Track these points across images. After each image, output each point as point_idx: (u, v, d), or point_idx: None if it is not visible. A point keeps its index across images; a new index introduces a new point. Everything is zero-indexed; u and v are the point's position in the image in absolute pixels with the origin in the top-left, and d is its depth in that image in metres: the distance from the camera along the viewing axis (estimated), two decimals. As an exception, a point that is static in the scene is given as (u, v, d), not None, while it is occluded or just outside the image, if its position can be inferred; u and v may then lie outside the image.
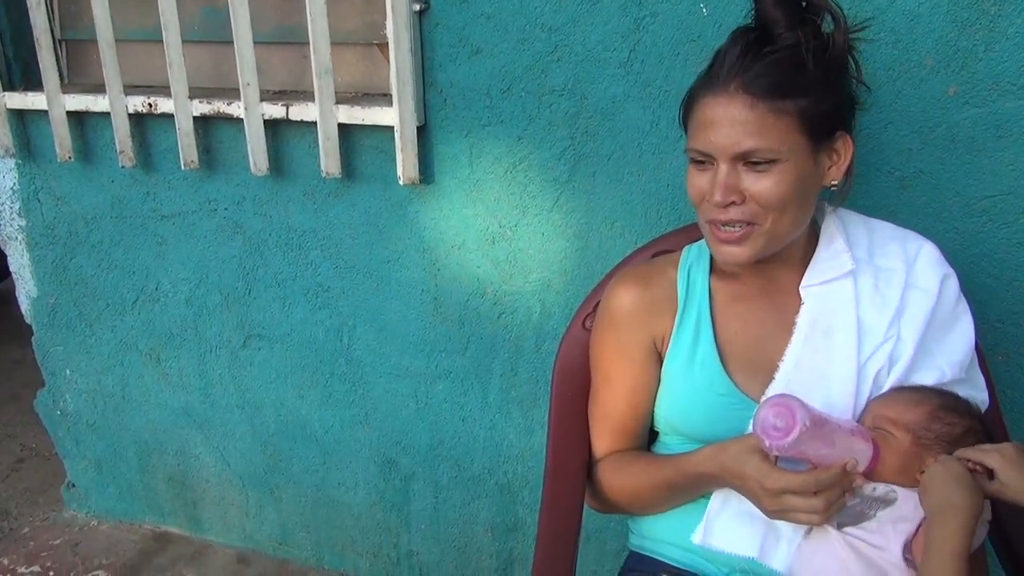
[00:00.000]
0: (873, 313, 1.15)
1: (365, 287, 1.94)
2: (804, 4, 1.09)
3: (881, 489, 1.08)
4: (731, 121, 1.05)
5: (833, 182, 1.13)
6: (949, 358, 1.15)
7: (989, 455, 1.05)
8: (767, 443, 1.01)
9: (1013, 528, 1.23)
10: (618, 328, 1.24)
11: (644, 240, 1.54)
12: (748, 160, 1.06)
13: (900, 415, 1.09)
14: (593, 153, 1.64)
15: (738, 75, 1.05)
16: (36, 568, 2.29)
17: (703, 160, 1.10)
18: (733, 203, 1.08)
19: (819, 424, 1.01)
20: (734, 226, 1.10)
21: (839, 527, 1.09)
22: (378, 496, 2.13)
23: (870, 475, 1.08)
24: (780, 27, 1.06)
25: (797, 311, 1.17)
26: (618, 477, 1.27)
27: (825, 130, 1.09)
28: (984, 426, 1.13)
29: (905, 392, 1.12)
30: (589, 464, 1.33)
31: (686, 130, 1.15)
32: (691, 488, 1.19)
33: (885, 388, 1.13)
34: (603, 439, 1.30)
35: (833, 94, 1.09)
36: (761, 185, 1.07)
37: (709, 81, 1.09)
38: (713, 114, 1.07)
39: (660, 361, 1.23)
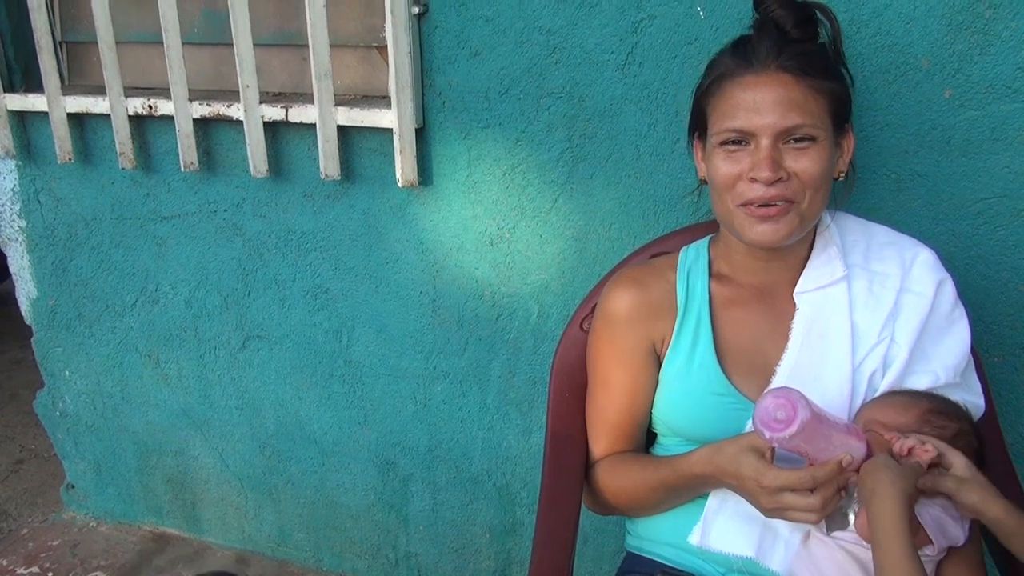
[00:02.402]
0: (866, 316, 1.16)
1: (364, 289, 1.94)
2: (803, 6, 1.14)
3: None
4: (776, 98, 1.08)
5: (841, 172, 1.18)
6: (944, 362, 1.16)
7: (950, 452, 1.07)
8: (767, 435, 1.01)
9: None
10: (616, 331, 1.25)
11: (642, 242, 1.55)
12: (790, 137, 1.09)
13: (891, 419, 1.09)
14: (591, 155, 1.65)
15: (774, 59, 1.08)
16: (35, 569, 2.30)
17: (739, 140, 1.11)
18: (780, 179, 1.09)
19: (818, 419, 1.01)
20: (773, 203, 1.10)
21: (828, 532, 1.09)
22: (376, 497, 2.13)
23: None
24: (788, 24, 1.11)
25: (792, 316, 1.19)
26: (615, 479, 1.28)
27: (843, 118, 1.14)
28: (975, 429, 1.13)
29: (896, 396, 1.13)
30: (587, 465, 1.34)
31: (705, 118, 1.15)
32: (688, 489, 1.20)
33: (880, 390, 1.14)
34: (600, 441, 1.30)
35: (846, 83, 1.15)
36: (802, 163, 1.09)
37: (741, 65, 1.10)
38: (755, 93, 1.08)
39: (658, 363, 1.24)
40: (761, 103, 1.08)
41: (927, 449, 1.06)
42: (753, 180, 1.09)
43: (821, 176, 1.10)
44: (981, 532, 1.16)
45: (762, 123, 1.08)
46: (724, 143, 1.12)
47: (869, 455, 1.07)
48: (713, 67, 1.15)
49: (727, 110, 1.11)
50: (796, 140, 1.09)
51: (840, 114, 1.13)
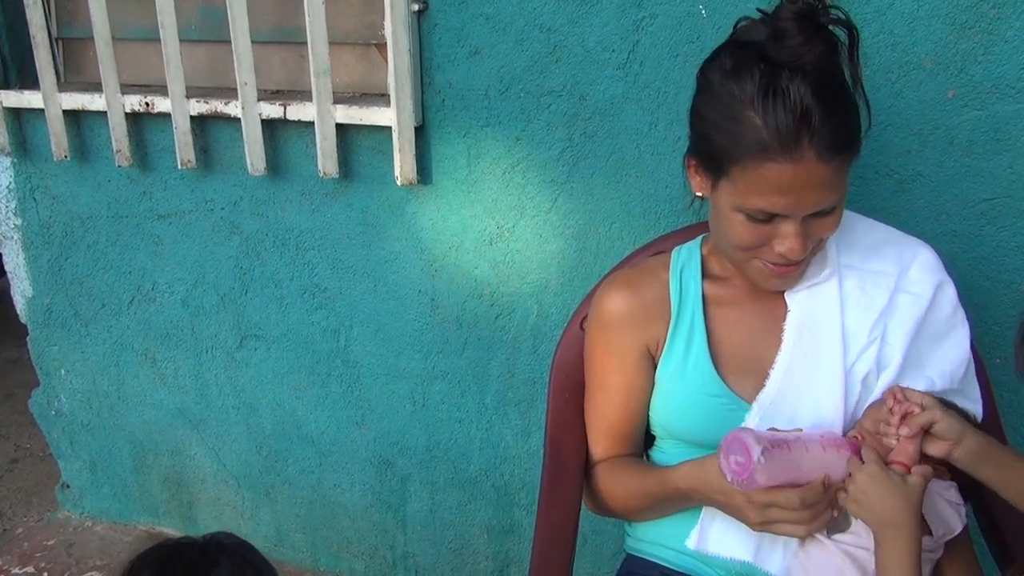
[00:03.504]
0: (857, 315, 1.15)
1: (362, 288, 1.93)
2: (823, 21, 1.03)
3: None
4: (811, 185, 1.01)
5: None
6: (940, 368, 1.15)
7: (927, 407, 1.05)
8: (729, 478, 1.02)
9: (997, 509, 1.23)
10: (610, 332, 1.24)
11: (643, 241, 1.54)
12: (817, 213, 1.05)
13: None
14: (591, 154, 1.64)
15: (810, 136, 0.99)
16: (30, 569, 2.28)
17: (765, 218, 1.06)
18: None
19: (784, 449, 1.01)
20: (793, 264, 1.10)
21: (828, 535, 1.09)
22: (374, 497, 2.12)
23: None
24: (810, 64, 1.00)
25: (785, 317, 1.18)
26: (610, 484, 1.27)
27: None
28: None
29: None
30: (587, 466, 1.33)
31: (721, 165, 1.06)
32: (675, 502, 1.19)
33: (876, 392, 1.13)
34: (599, 443, 1.30)
35: (862, 132, 1.08)
36: (825, 227, 1.08)
37: (775, 143, 1.00)
38: (791, 180, 1.01)
39: (654, 365, 1.23)
40: (797, 189, 1.01)
41: (940, 446, 1.04)
42: (780, 255, 1.07)
43: (835, 229, 1.10)
44: (976, 526, 1.17)
45: (796, 207, 1.03)
46: (747, 214, 1.06)
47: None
48: (736, 119, 1.02)
49: (757, 186, 1.03)
50: (823, 210, 1.05)
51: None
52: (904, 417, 1.04)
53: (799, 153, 0.99)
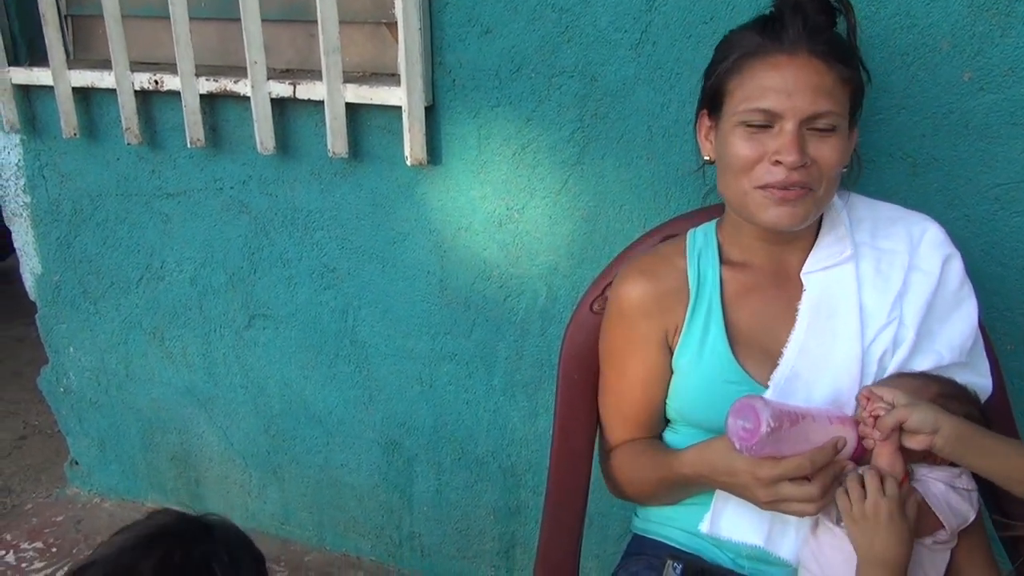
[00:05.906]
0: (875, 296, 1.15)
1: (371, 268, 1.93)
2: None
3: None
4: (807, 82, 1.06)
5: (845, 165, 1.16)
6: (949, 342, 1.15)
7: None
8: (737, 445, 1.03)
9: (1012, 508, 1.22)
10: (629, 321, 1.24)
11: (653, 224, 1.54)
12: (814, 125, 1.08)
13: None
14: (603, 136, 1.63)
15: (805, 42, 1.07)
16: (39, 544, 2.30)
17: (765, 123, 1.09)
18: (802, 166, 1.08)
19: (792, 420, 1.01)
20: (792, 187, 1.09)
21: (837, 522, 1.09)
22: (381, 477, 2.13)
23: (860, 460, 1.08)
24: (811, 9, 1.10)
25: (800, 298, 1.17)
26: (625, 470, 1.28)
27: (857, 110, 1.14)
28: (982, 413, 1.12)
29: (905, 379, 1.12)
30: (602, 450, 1.33)
31: (723, 95, 1.13)
32: (686, 488, 1.19)
33: (889, 371, 1.13)
34: (616, 430, 1.30)
35: (864, 77, 1.15)
36: (824, 151, 1.09)
37: (771, 43, 1.08)
38: (786, 75, 1.07)
39: (670, 351, 1.23)
40: (792, 85, 1.06)
41: (918, 439, 1.04)
42: (776, 163, 1.08)
43: (839, 165, 1.10)
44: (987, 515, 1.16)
45: (791, 106, 1.06)
46: (747, 124, 1.10)
47: (861, 447, 1.07)
48: (735, 44, 1.13)
49: (754, 89, 1.09)
50: (820, 128, 1.08)
51: (856, 105, 1.13)
52: (875, 420, 1.05)
53: (791, 46, 1.07)
